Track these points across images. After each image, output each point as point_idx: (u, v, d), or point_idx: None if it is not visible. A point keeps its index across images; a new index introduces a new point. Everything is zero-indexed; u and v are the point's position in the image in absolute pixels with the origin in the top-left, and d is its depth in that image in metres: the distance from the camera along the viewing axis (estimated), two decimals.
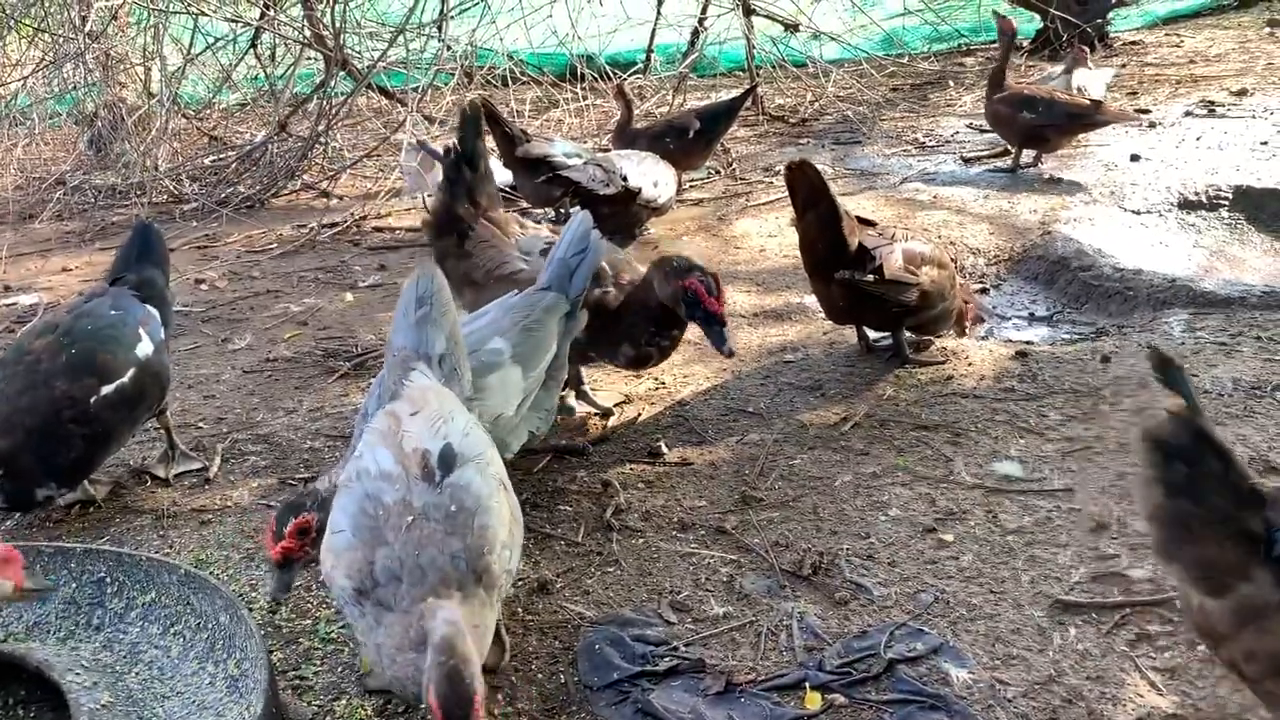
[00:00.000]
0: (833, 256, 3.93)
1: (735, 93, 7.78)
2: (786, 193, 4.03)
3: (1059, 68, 7.92)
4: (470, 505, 2.26)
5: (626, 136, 6.82)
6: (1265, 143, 6.91)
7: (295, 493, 2.88)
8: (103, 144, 8.56)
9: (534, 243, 3.93)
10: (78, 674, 2.48)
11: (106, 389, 3.29)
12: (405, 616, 2.12)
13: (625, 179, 5.72)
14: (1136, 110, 7.99)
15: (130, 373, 3.36)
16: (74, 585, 2.80)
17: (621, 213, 5.86)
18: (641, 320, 3.59)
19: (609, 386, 4.19)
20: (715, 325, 3.39)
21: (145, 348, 3.46)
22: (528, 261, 3.83)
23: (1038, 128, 6.55)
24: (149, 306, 3.60)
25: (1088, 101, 6.66)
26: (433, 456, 2.33)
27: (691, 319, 3.43)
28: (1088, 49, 7.76)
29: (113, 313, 3.49)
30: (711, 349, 3.48)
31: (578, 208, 6.01)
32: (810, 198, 3.93)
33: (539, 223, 4.12)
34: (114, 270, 3.76)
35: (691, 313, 3.40)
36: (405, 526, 2.22)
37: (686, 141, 6.70)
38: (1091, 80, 7.59)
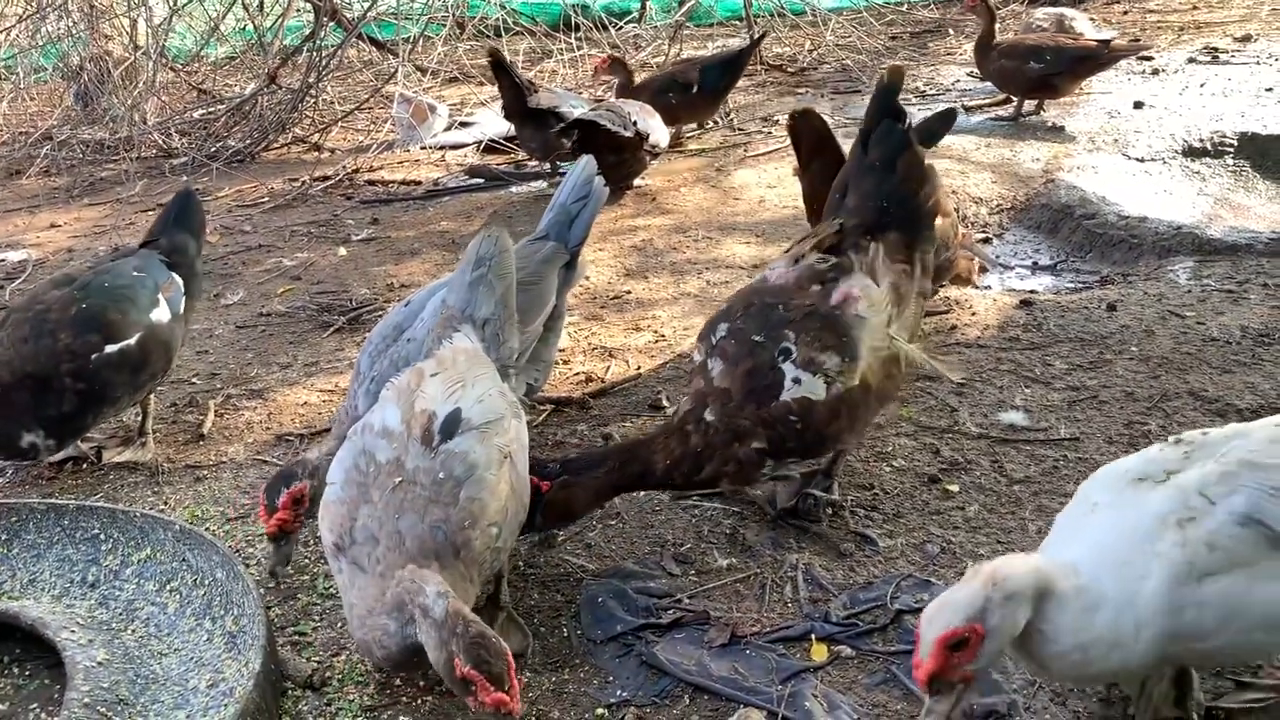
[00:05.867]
0: None
1: (737, 41, 7.63)
2: (786, 142, 3.95)
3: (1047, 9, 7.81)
4: (460, 474, 2.19)
5: (645, 96, 6.72)
6: (1270, 89, 6.81)
7: (286, 463, 2.82)
8: (90, 98, 8.41)
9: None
10: (73, 631, 2.44)
11: (110, 348, 3.21)
12: (380, 580, 2.06)
13: (635, 123, 5.67)
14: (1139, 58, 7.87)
15: (137, 336, 3.27)
16: (68, 542, 2.77)
17: (629, 159, 5.79)
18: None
19: (602, 332, 4.14)
20: None
21: (161, 314, 3.37)
22: None
23: (1047, 76, 6.43)
24: (175, 274, 3.52)
25: (1095, 43, 6.55)
26: (437, 420, 2.26)
27: None
28: None
29: (134, 273, 3.41)
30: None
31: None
32: (815, 147, 3.83)
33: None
34: (149, 233, 3.70)
35: None
36: (391, 488, 2.16)
37: (690, 96, 6.62)
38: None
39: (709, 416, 2.62)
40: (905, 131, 2.94)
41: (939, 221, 3.86)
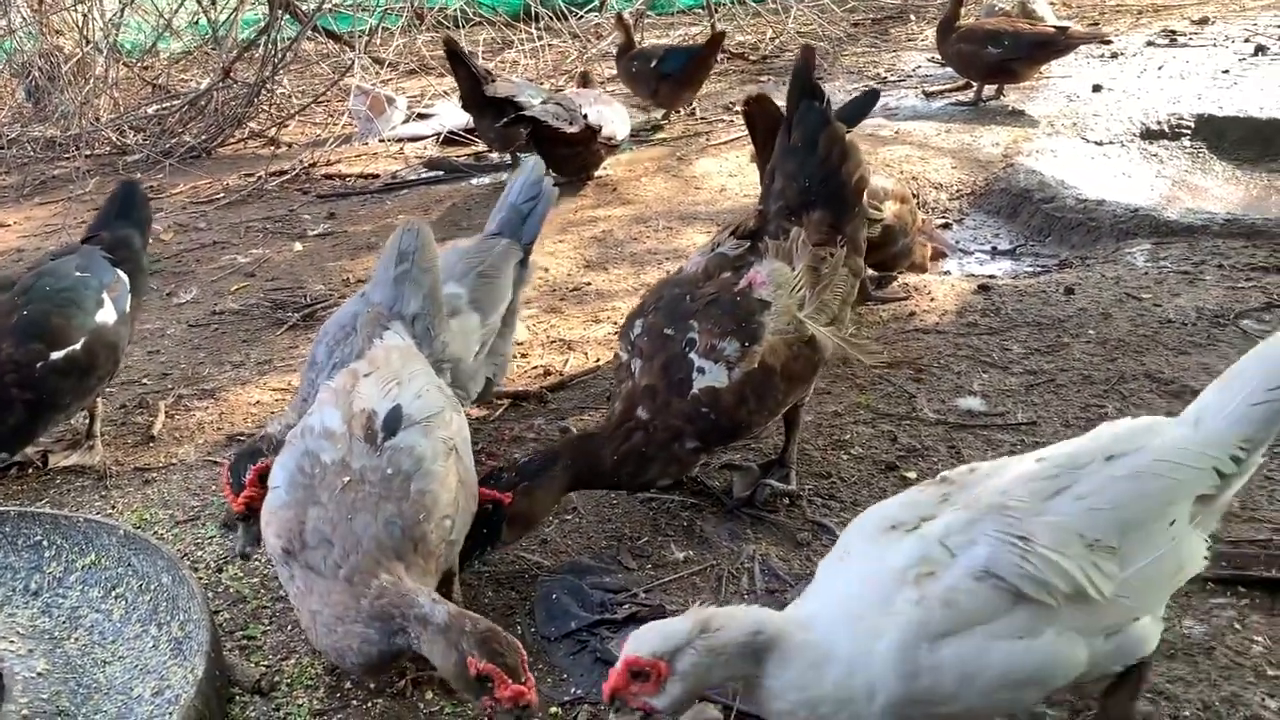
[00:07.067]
0: None
1: (699, 30, 7.59)
2: (747, 130, 3.92)
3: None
4: (408, 469, 2.16)
5: (625, 60, 6.90)
6: (1227, 71, 6.86)
7: (248, 441, 2.76)
8: (40, 95, 8.26)
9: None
10: (12, 642, 2.38)
11: (55, 355, 3.12)
12: (348, 586, 2.02)
13: (586, 116, 5.63)
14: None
15: (83, 341, 3.18)
16: (10, 550, 2.70)
17: (583, 152, 5.76)
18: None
19: (561, 325, 4.10)
20: None
21: (106, 315, 3.27)
22: None
23: (1005, 61, 6.44)
24: (120, 271, 3.41)
25: (1053, 29, 6.56)
26: (378, 418, 2.23)
27: None
28: None
29: (77, 274, 3.29)
30: None
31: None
32: (771, 132, 3.80)
33: None
34: (91, 228, 3.58)
35: None
36: (340, 488, 2.13)
37: (650, 69, 6.68)
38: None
39: (643, 414, 2.61)
40: (823, 109, 2.90)
41: (894, 205, 3.88)
